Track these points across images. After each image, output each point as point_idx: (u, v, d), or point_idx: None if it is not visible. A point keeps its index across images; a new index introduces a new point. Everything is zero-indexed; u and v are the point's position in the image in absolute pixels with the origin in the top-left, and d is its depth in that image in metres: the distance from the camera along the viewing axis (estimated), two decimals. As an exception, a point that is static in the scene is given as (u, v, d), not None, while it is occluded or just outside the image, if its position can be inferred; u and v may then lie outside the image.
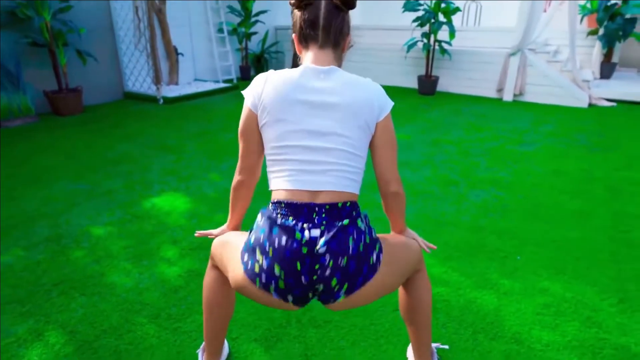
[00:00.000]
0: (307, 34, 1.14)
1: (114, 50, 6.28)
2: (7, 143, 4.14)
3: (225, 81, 7.81)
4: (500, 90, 6.51)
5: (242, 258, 1.11)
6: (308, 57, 1.15)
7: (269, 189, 1.16)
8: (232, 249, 1.18)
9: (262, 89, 1.11)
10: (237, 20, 8.20)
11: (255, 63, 8.74)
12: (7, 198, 2.90)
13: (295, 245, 1.02)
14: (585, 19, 7.97)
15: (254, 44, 8.82)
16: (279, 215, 1.07)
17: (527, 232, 2.47)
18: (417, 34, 7.01)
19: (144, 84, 6.44)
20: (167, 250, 2.25)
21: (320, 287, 1.06)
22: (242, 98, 6.63)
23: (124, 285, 1.96)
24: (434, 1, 6.33)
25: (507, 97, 6.38)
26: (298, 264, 1.02)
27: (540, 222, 2.60)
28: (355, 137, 1.11)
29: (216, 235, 1.36)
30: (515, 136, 4.47)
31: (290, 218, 1.05)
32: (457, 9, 6.26)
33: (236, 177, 1.23)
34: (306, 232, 1.03)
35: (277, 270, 1.03)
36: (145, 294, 1.90)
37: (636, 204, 2.84)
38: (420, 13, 6.45)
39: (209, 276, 1.33)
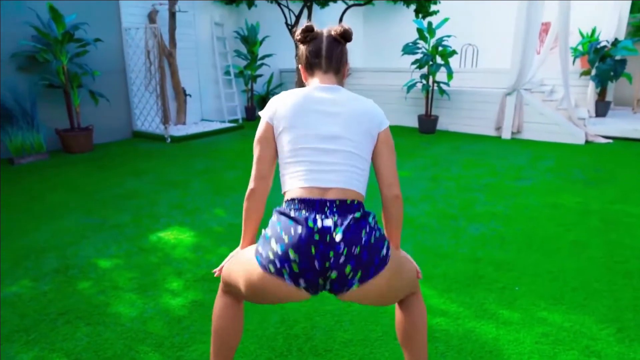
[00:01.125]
0: (313, 62, 1.33)
1: (125, 91, 6.58)
2: (19, 179, 4.28)
3: (231, 121, 8.07)
4: (498, 128, 6.68)
5: (257, 252, 1.18)
6: (314, 81, 1.34)
7: (282, 192, 1.27)
8: (242, 256, 1.27)
9: (277, 104, 1.27)
10: (244, 63, 8.59)
11: (261, 104, 9.05)
12: (20, 231, 2.98)
13: (308, 231, 1.10)
14: (578, 60, 8.29)
15: (259, 86, 9.17)
16: (292, 210, 1.16)
17: (525, 264, 2.51)
18: (417, 75, 7.30)
19: (153, 123, 6.67)
20: (171, 281, 2.31)
21: (334, 274, 1.11)
22: (247, 137, 6.82)
23: (128, 315, 2.00)
24: (431, 45, 6.66)
25: (506, 135, 6.55)
26: (312, 248, 1.09)
27: (537, 253, 2.64)
28: (359, 141, 1.24)
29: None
30: (513, 172, 4.57)
31: (303, 211, 1.15)
32: (454, 52, 6.57)
33: (250, 186, 1.28)
34: (319, 222, 1.11)
35: (291, 254, 1.09)
36: (149, 323, 1.94)
37: (631, 236, 2.89)
38: (419, 56, 6.75)
39: (219, 302, 1.38)
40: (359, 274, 1.12)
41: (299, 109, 1.24)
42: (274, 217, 1.18)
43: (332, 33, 1.34)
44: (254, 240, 1.37)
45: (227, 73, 8.32)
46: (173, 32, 6.83)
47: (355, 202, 1.19)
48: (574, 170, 4.59)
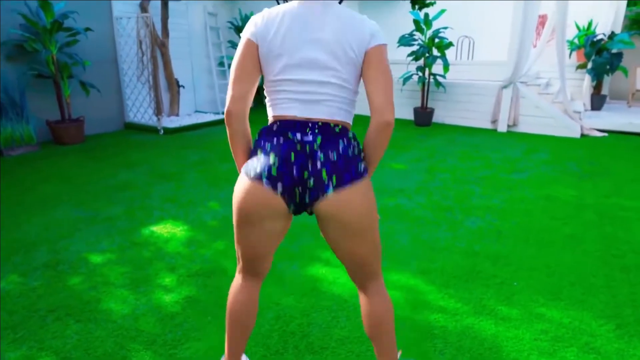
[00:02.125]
0: None
1: (117, 82, 6.45)
2: (9, 171, 4.19)
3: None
4: (494, 121, 6.66)
5: (245, 165, 1.21)
6: None
7: (268, 117, 1.27)
8: None
9: (260, 23, 1.17)
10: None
11: (255, 95, 8.95)
12: (9, 224, 2.91)
13: (289, 140, 1.15)
14: (574, 54, 8.27)
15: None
16: (275, 126, 1.19)
17: (522, 258, 2.49)
18: (413, 67, 7.24)
19: (145, 115, 6.57)
20: (164, 277, 2.26)
21: (311, 182, 1.14)
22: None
23: (119, 312, 1.95)
24: (428, 36, 6.59)
25: (502, 127, 6.53)
26: (292, 155, 1.14)
27: (534, 247, 2.62)
28: (347, 71, 1.17)
29: None
30: (508, 165, 4.55)
31: (285, 128, 1.18)
32: (450, 44, 6.51)
33: (227, 108, 1.18)
34: (299, 135, 1.16)
35: (272, 158, 1.14)
36: (141, 320, 1.90)
37: (627, 229, 2.88)
38: (415, 48, 6.69)
39: (234, 283, 1.37)
40: (334, 178, 1.13)
41: (285, 32, 1.15)
42: (257, 137, 1.23)
43: None
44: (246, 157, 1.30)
45: (221, 64, 8.20)
46: (166, 21, 6.70)
47: (339, 126, 1.20)
48: (569, 164, 4.58)
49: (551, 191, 3.69)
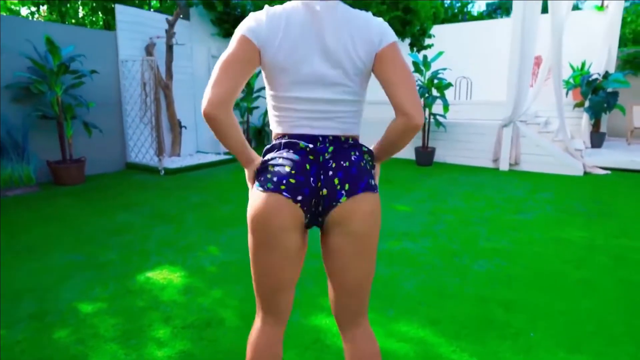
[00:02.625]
0: None
1: (119, 122, 6.51)
2: (4, 212, 4.11)
3: (226, 153, 7.99)
4: (496, 160, 6.65)
5: (257, 182, 1.13)
6: None
7: (271, 129, 1.20)
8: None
9: (261, 24, 1.06)
10: (240, 95, 8.61)
11: (257, 136, 9.02)
12: (-4, 271, 2.80)
13: (302, 150, 1.10)
14: (571, 93, 8.41)
15: (255, 118, 9.17)
16: (286, 140, 1.13)
17: (535, 304, 2.36)
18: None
19: (147, 155, 6.58)
20: (158, 328, 2.13)
21: (324, 190, 1.10)
22: (242, 170, 6.71)
23: (109, 368, 1.82)
24: (427, 77, 6.71)
25: (503, 166, 6.51)
26: (307, 165, 1.09)
27: (547, 292, 2.50)
28: (354, 84, 1.12)
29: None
30: (513, 205, 4.47)
31: (297, 140, 1.13)
32: (449, 85, 6.62)
33: (208, 112, 1.03)
34: (311, 145, 1.11)
35: (288, 168, 1.09)
36: (131, 378, 1.76)
37: (645, 275, 2.76)
38: (413, 88, 6.79)
39: (253, 329, 1.24)
40: (347, 186, 1.10)
41: (290, 43, 1.05)
42: (265, 152, 1.17)
43: None
44: (249, 150, 1.17)
45: (223, 105, 8.31)
46: (170, 64, 6.85)
47: (350, 139, 1.17)
48: (574, 203, 4.50)
49: (559, 232, 3.59)
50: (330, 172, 1.09)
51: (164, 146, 6.48)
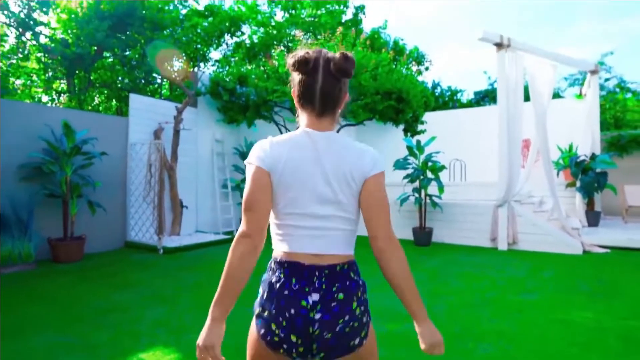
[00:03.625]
0: (304, 102, 1.21)
1: (123, 201, 6.65)
2: (-3, 293, 4.04)
3: (225, 233, 8.03)
4: (494, 239, 6.67)
5: (259, 333, 1.18)
6: (306, 121, 1.22)
7: (272, 247, 1.23)
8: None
9: (266, 153, 1.16)
10: (241, 177, 8.89)
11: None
12: (-18, 354, 2.70)
13: (303, 313, 1.13)
14: (561, 173, 8.70)
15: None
16: (282, 276, 1.16)
17: (545, 392, 2.25)
18: (409, 189, 7.53)
19: (147, 234, 6.61)
20: (146, 415, 2.01)
21: (302, 346, 1.15)
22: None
23: None
24: (421, 160, 7.01)
25: (502, 246, 6.51)
26: (310, 328, 1.13)
27: (558, 379, 2.39)
28: (349, 203, 1.19)
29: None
30: (514, 285, 4.41)
31: (294, 280, 1.15)
32: (443, 167, 6.88)
33: (247, 242, 1.13)
34: (309, 298, 1.14)
35: (293, 338, 1.13)
36: None
37: (656, 358, 2.66)
38: (410, 171, 7.06)
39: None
40: (322, 354, 1.15)
41: (293, 164, 1.15)
42: (265, 289, 1.19)
43: (331, 68, 1.17)
44: (228, 312, 1.17)
45: (225, 186, 8.55)
46: (176, 147, 7.20)
47: (346, 267, 1.19)
48: (577, 282, 4.45)
49: (565, 314, 3.51)
50: (313, 337, 1.13)
51: (164, 225, 6.54)
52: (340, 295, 1.15)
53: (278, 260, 1.19)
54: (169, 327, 3.18)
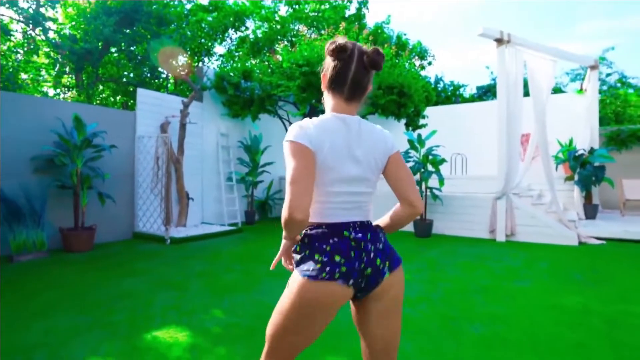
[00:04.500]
0: (336, 87, 1.36)
1: (131, 193, 6.85)
2: (15, 277, 4.25)
3: (230, 224, 8.22)
4: (492, 231, 6.83)
5: (301, 271, 1.29)
6: (334, 105, 1.38)
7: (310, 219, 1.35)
8: (284, 300, 1.32)
9: (311, 135, 1.28)
10: (246, 170, 9.07)
11: (260, 208, 9.31)
12: (10, 329, 2.90)
13: (345, 239, 1.30)
14: (561, 167, 8.83)
15: (259, 192, 9.54)
16: (325, 229, 1.32)
17: (531, 366, 2.42)
18: (409, 180, 7.68)
19: (154, 225, 6.81)
20: (163, 383, 2.20)
21: (369, 270, 1.31)
22: (246, 241, 6.85)
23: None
24: (422, 154, 7.16)
25: (500, 237, 6.67)
26: (352, 253, 1.29)
27: (543, 354, 2.56)
28: (375, 179, 1.41)
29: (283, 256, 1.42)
30: (510, 274, 4.58)
31: (336, 229, 1.32)
32: (443, 160, 7.03)
33: (299, 217, 1.21)
34: (352, 232, 1.32)
35: (337, 258, 1.28)
36: None
37: (636, 336, 2.83)
38: (411, 164, 7.21)
39: None
40: (387, 263, 1.35)
41: (334, 147, 1.30)
42: (306, 239, 1.33)
43: (365, 59, 1.32)
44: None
45: (230, 179, 8.74)
46: (182, 140, 7.38)
47: (371, 223, 1.42)
48: (570, 271, 4.61)
49: (556, 299, 3.68)
50: (372, 255, 1.32)
51: (171, 216, 6.73)
52: (372, 229, 1.39)
53: (314, 226, 1.34)
54: (180, 310, 3.37)
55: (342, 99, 1.36)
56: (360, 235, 1.32)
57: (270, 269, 1.47)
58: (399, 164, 1.40)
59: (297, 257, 1.33)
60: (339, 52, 1.31)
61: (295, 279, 1.30)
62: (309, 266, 1.28)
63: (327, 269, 1.26)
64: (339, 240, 1.29)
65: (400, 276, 1.39)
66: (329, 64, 1.36)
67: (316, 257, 1.28)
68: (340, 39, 1.33)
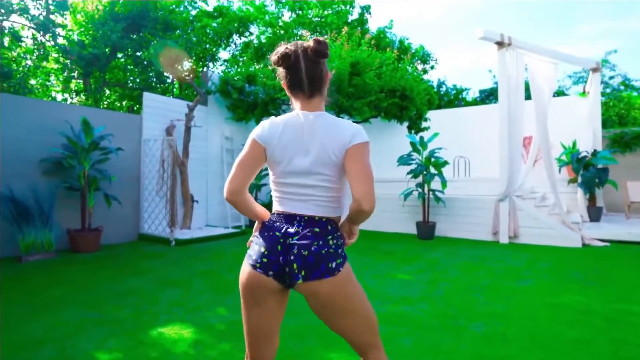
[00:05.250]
0: (294, 89, 1.43)
1: (137, 195, 6.95)
2: (23, 275, 4.34)
3: (234, 227, 8.29)
4: (495, 233, 6.85)
5: (247, 254, 1.45)
6: (299, 104, 1.45)
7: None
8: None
9: (267, 131, 1.42)
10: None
11: (264, 209, 9.37)
12: (18, 323, 2.98)
13: (276, 235, 1.40)
14: (564, 169, 8.83)
15: (263, 194, 9.61)
16: (271, 221, 1.45)
17: (529, 361, 2.46)
18: (413, 184, 7.73)
19: (159, 227, 6.89)
20: (168, 375, 2.26)
21: (286, 268, 1.36)
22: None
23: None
24: (424, 156, 7.20)
25: (503, 239, 6.68)
26: (278, 247, 1.37)
27: (542, 350, 2.60)
28: (331, 173, 1.40)
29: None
30: (511, 274, 4.61)
31: (278, 223, 1.43)
32: (446, 163, 7.07)
33: (228, 198, 1.41)
34: (284, 229, 1.40)
35: (263, 249, 1.39)
36: (143, 417, 1.88)
37: (636, 334, 2.85)
38: (413, 166, 7.26)
39: None
40: (303, 272, 1.34)
41: (283, 142, 1.40)
42: (261, 226, 1.47)
43: (310, 54, 1.38)
44: (257, 211, 1.51)
45: (234, 181, 8.81)
46: (187, 144, 7.48)
47: (324, 219, 1.42)
48: (572, 272, 4.63)
49: (556, 298, 3.71)
50: (292, 257, 1.35)
51: (176, 218, 6.82)
52: (316, 229, 1.39)
53: (272, 214, 1.49)
54: (184, 307, 3.43)
55: (305, 98, 1.43)
56: (292, 231, 1.38)
57: (247, 245, 1.56)
58: (353, 158, 1.35)
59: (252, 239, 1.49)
60: (284, 60, 1.39)
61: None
62: (250, 251, 1.44)
63: (253, 258, 1.40)
64: (271, 235, 1.40)
65: (323, 290, 1.34)
66: (281, 72, 1.44)
67: (254, 247, 1.43)
68: (281, 47, 1.41)
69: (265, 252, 1.38)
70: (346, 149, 1.37)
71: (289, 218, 1.42)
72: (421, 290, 3.98)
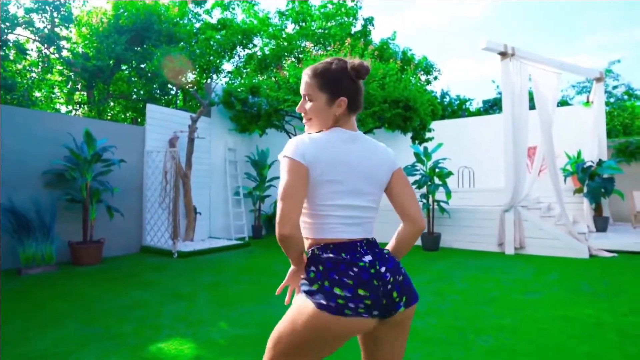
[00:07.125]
0: (359, 104, 1.36)
1: (139, 207, 6.92)
2: (24, 289, 4.29)
3: (237, 239, 8.24)
4: (501, 244, 6.76)
5: (320, 306, 1.17)
6: (345, 121, 1.34)
7: (305, 237, 1.30)
8: (296, 323, 1.21)
9: (306, 149, 1.24)
10: (253, 184, 9.13)
11: (267, 223, 9.32)
12: (20, 338, 2.92)
13: (364, 268, 1.21)
14: (569, 179, 8.76)
15: (266, 206, 9.57)
16: (330, 253, 1.24)
17: (541, 377, 2.37)
18: (417, 195, 7.68)
19: (162, 239, 6.85)
20: (169, 393, 2.19)
21: (384, 301, 1.23)
22: (253, 254, 6.87)
23: None
24: (428, 167, 7.16)
25: (509, 250, 6.60)
26: (374, 281, 1.21)
27: (554, 367, 2.52)
28: (377, 193, 1.35)
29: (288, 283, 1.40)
30: (519, 286, 4.52)
31: (343, 254, 1.24)
32: (450, 173, 7.02)
33: (288, 233, 1.19)
34: (365, 258, 1.24)
35: (361, 292, 1.18)
36: None
37: (651, 349, 2.76)
38: (417, 177, 7.22)
39: None
40: (404, 298, 1.27)
41: (332, 162, 1.26)
42: (318, 266, 1.23)
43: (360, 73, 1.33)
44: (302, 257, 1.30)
45: (237, 194, 8.79)
46: (190, 155, 7.47)
47: (375, 240, 1.34)
48: (581, 283, 4.54)
49: (566, 310, 3.62)
50: (389, 286, 1.24)
51: (179, 230, 6.78)
52: (385, 251, 1.32)
53: (319, 246, 1.28)
54: (188, 321, 3.37)
55: (352, 114, 1.36)
56: (370, 258, 1.24)
57: (276, 293, 1.44)
58: (402, 180, 1.38)
59: (309, 287, 1.23)
60: (364, 74, 1.32)
61: (306, 308, 1.20)
62: (328, 299, 1.18)
63: (351, 305, 1.17)
64: (359, 271, 1.20)
65: (414, 308, 1.32)
66: (349, 85, 1.32)
67: (337, 291, 1.18)
68: (357, 60, 1.32)
69: (365, 294, 1.18)
70: (392, 170, 1.38)
71: (351, 246, 1.26)
72: (427, 303, 3.90)
